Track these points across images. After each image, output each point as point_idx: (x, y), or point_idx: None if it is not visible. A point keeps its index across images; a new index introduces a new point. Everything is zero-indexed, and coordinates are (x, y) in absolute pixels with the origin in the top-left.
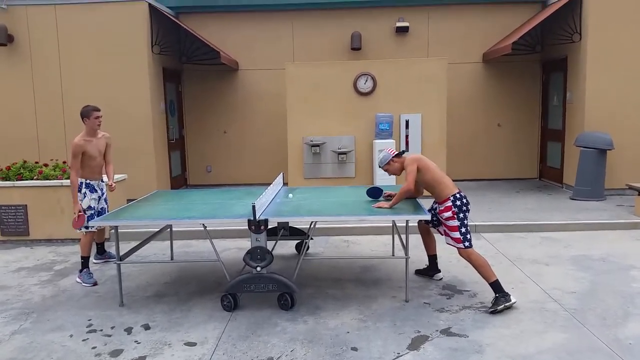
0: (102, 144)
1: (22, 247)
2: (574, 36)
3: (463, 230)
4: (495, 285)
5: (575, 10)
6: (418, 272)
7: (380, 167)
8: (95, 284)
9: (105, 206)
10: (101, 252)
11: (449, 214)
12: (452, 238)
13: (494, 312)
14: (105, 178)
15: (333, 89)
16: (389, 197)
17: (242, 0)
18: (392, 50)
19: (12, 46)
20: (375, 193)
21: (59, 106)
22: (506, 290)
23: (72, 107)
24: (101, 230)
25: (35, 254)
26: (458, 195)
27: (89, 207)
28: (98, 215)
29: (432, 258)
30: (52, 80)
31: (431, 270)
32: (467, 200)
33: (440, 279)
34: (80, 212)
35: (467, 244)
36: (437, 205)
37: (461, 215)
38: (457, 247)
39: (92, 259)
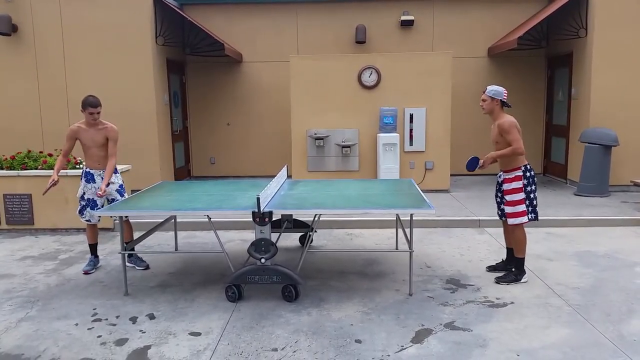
0: (100, 135)
1: (27, 235)
2: (580, 32)
3: (527, 202)
4: (519, 261)
5: (582, 5)
6: (491, 268)
7: (485, 91)
8: (86, 272)
9: (119, 197)
10: (129, 255)
11: (517, 184)
12: (514, 213)
13: (498, 282)
14: (119, 167)
15: (337, 82)
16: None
17: None
18: (397, 43)
19: (16, 36)
20: (473, 164)
21: (62, 96)
22: (524, 269)
23: (75, 98)
24: (128, 231)
25: (40, 243)
26: (529, 167)
27: (82, 198)
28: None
29: (512, 251)
30: (56, 71)
31: (510, 263)
32: (534, 173)
33: None
34: (55, 181)
35: (530, 216)
36: (501, 174)
37: (528, 188)
38: (516, 223)
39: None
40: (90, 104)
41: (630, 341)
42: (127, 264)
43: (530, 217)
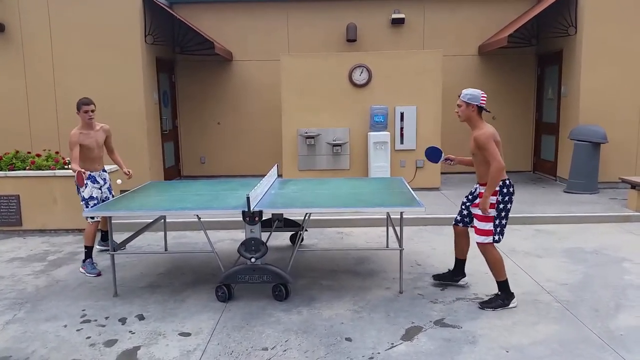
0: (100, 135)
1: (14, 237)
2: (570, 29)
3: (497, 222)
4: (503, 285)
5: (571, 3)
6: (438, 278)
7: (460, 96)
8: (99, 274)
9: (110, 196)
10: (105, 240)
11: (492, 199)
12: (481, 230)
13: (482, 307)
14: (107, 167)
15: (328, 80)
16: (447, 160)
17: None
18: (388, 42)
19: (3, 35)
20: (434, 153)
21: (51, 96)
22: (512, 292)
23: (64, 98)
24: (105, 218)
25: (29, 244)
26: (507, 182)
27: (91, 197)
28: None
29: (461, 262)
30: (44, 70)
31: (456, 274)
32: (513, 191)
33: (466, 284)
34: (83, 171)
35: (497, 237)
36: (477, 187)
37: (502, 206)
38: (483, 242)
39: (95, 245)
40: (84, 103)
41: (617, 336)
42: (102, 246)
43: (494, 239)
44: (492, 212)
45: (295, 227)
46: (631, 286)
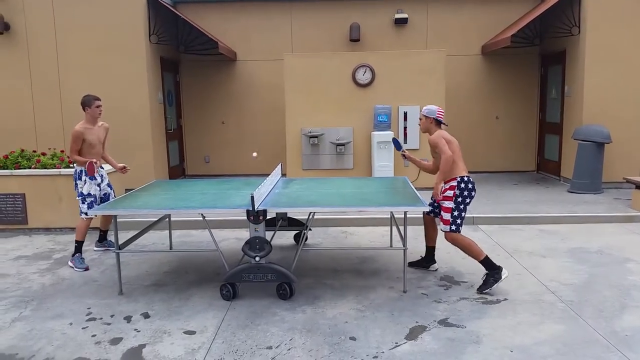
0: (102, 132)
1: (20, 235)
2: (573, 29)
3: (455, 214)
4: (486, 262)
5: (574, 3)
6: (412, 264)
7: (421, 111)
8: (86, 269)
9: (110, 191)
10: (102, 240)
11: (449, 192)
12: (442, 219)
13: (481, 291)
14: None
15: (331, 80)
16: (403, 155)
17: None
18: (391, 41)
19: (8, 34)
20: (397, 143)
21: (56, 95)
22: (498, 265)
23: (69, 97)
24: (107, 218)
25: (34, 242)
26: (466, 179)
27: (89, 194)
28: (102, 201)
29: (431, 249)
30: (49, 69)
31: (427, 261)
32: (472, 187)
33: (436, 269)
34: (94, 160)
35: (453, 227)
36: (442, 185)
37: (459, 199)
38: (444, 230)
39: (93, 247)
40: (96, 98)
41: (622, 337)
42: (98, 248)
43: (451, 228)
44: (450, 204)
45: (299, 226)
46: (635, 287)
